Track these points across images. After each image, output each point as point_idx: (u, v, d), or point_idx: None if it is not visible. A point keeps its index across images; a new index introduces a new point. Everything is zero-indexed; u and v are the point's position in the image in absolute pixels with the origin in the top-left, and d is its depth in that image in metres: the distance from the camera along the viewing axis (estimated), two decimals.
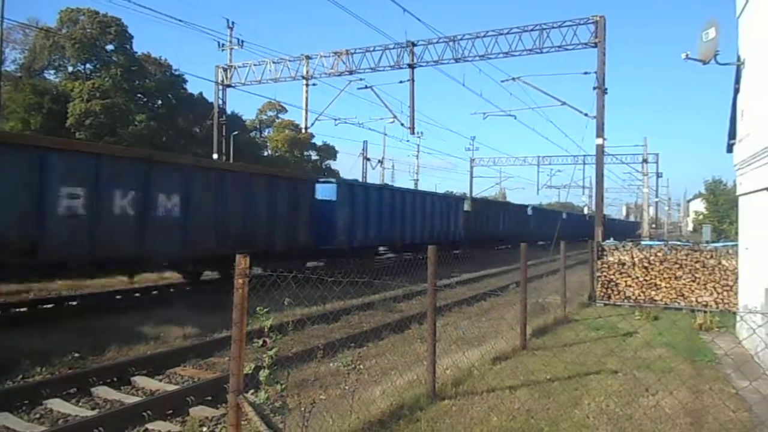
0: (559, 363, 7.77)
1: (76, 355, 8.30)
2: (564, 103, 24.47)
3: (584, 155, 48.16)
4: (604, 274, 13.98)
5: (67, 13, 45.04)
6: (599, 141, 19.78)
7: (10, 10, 37.49)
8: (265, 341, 4.00)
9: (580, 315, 12.25)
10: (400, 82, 24.95)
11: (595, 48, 20.26)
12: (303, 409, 4.23)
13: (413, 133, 26.53)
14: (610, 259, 14.01)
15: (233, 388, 3.76)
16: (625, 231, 63.41)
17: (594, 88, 19.88)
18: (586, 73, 20.75)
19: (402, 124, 26.55)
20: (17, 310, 11.94)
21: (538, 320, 10.58)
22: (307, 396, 6.31)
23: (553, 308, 12.02)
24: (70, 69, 47.50)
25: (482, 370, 7.34)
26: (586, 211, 66.32)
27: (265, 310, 3.99)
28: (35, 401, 6.47)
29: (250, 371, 3.89)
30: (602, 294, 13.94)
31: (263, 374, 3.87)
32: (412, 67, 23.96)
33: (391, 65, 24.25)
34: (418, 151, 53.57)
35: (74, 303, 13.06)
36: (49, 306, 12.44)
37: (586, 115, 21.47)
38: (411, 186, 48.81)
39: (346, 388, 6.95)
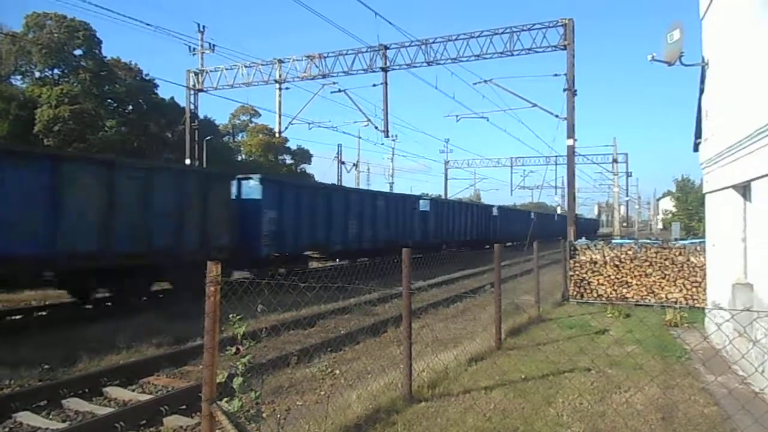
0: (533, 362, 7.87)
1: (47, 366, 8.12)
2: (535, 105, 24.82)
3: (556, 156, 48.90)
4: (577, 273, 14.18)
5: (33, 18, 44.11)
6: (570, 142, 20.09)
7: None
8: (238, 348, 3.97)
9: (554, 314, 12.40)
10: (374, 85, 25.08)
11: (565, 50, 20.58)
12: (278, 416, 4.20)
13: (387, 136, 26.61)
14: (583, 258, 14.22)
15: (206, 396, 3.73)
16: (586, 229, 64.04)
17: (564, 90, 20.21)
18: (556, 75, 21.10)
19: (376, 128, 26.69)
20: None
21: (512, 320, 10.67)
22: (283, 403, 6.29)
23: (527, 308, 12.14)
24: (38, 74, 46.51)
25: (458, 372, 7.39)
26: (559, 211, 67.16)
27: (238, 317, 3.96)
28: (4, 414, 6.31)
29: (224, 379, 3.86)
30: (575, 293, 14.13)
31: (237, 382, 3.85)
32: (385, 70, 24.05)
33: (364, 68, 24.35)
34: (392, 154, 53.85)
35: (44, 313, 12.79)
36: (18, 317, 12.16)
37: (556, 116, 21.81)
38: (386, 189, 48.89)
39: (323, 393, 6.93)
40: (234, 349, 3.95)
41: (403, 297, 6.37)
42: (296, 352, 8.36)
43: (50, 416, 6.50)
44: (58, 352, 8.78)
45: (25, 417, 6.33)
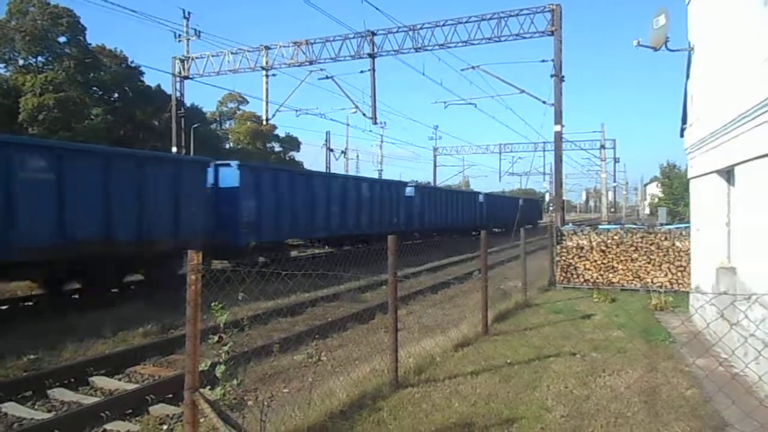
0: (518, 347, 7.93)
1: (32, 356, 8.08)
2: (523, 91, 24.79)
3: (544, 142, 49.00)
4: (564, 258, 14.26)
5: (15, 4, 43.34)
6: (557, 128, 20.12)
7: None
8: (221, 337, 3.96)
9: (541, 299, 12.48)
10: (361, 72, 24.90)
11: (552, 36, 20.54)
12: (262, 403, 4.21)
13: (375, 122, 26.48)
14: (569, 243, 14.29)
15: (189, 385, 3.72)
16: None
17: (551, 76, 20.19)
18: (543, 61, 21.02)
19: (364, 115, 26.54)
20: None
21: (499, 306, 10.73)
22: (268, 390, 6.30)
23: (514, 293, 12.21)
24: (21, 62, 45.80)
25: (444, 357, 7.43)
26: (547, 197, 67.43)
27: (220, 306, 3.95)
28: None
29: (206, 368, 3.85)
30: (562, 278, 14.22)
31: (219, 370, 3.84)
32: (372, 56, 23.91)
33: (352, 55, 24.18)
34: (381, 141, 53.63)
35: (30, 303, 12.69)
36: (4, 307, 12.06)
37: (544, 102, 21.79)
38: (375, 176, 48.79)
39: (309, 380, 6.95)
40: (216, 338, 3.94)
41: (389, 284, 6.39)
42: (281, 341, 8.35)
43: (36, 406, 6.48)
44: (45, 341, 8.73)
45: (11, 408, 6.30)
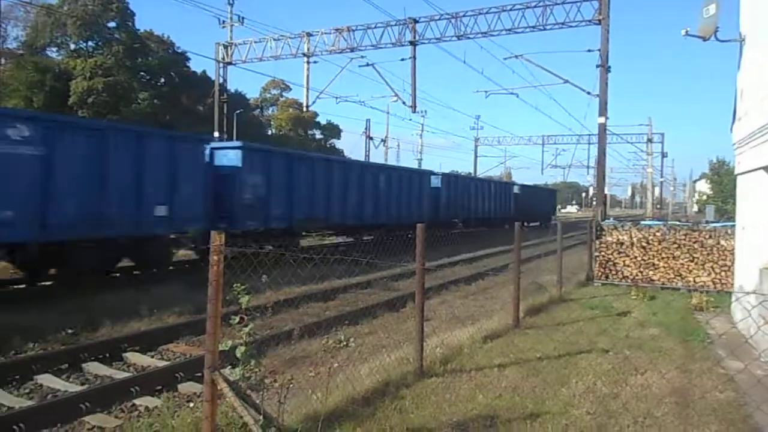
0: (550, 342, 7.78)
1: (70, 331, 8.36)
2: (567, 81, 24.23)
3: (588, 134, 47.86)
4: (603, 253, 13.93)
5: None
6: (601, 120, 19.60)
7: None
8: (242, 318, 3.99)
9: (577, 294, 12.23)
10: (402, 59, 24.75)
11: (599, 25, 19.97)
12: (279, 385, 4.23)
13: (415, 111, 26.31)
14: (609, 239, 13.94)
15: (208, 364, 3.77)
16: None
17: (597, 66, 19.64)
18: (589, 50, 20.46)
19: (404, 103, 26.40)
20: (16, 287, 11.99)
21: (533, 299, 10.56)
22: (295, 373, 6.35)
23: (549, 288, 11.99)
24: (72, 46, 47.23)
25: (472, 349, 7.34)
26: (591, 191, 65.95)
27: (242, 287, 3.98)
28: (26, 376, 6.52)
29: (227, 348, 3.89)
30: (600, 274, 13.90)
31: (240, 351, 3.88)
32: (413, 44, 23.72)
33: (393, 42, 24.05)
34: (422, 130, 53.37)
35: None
36: (48, 283, 12.48)
37: (588, 93, 21.26)
38: (415, 165, 48.64)
39: (335, 365, 6.98)
40: (237, 318, 3.98)
41: (417, 272, 6.34)
42: (311, 325, 8.41)
43: (70, 379, 6.69)
44: (83, 317, 9.00)
45: (47, 380, 6.53)
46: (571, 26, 21.05)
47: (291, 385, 4.32)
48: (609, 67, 19.63)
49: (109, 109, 42.51)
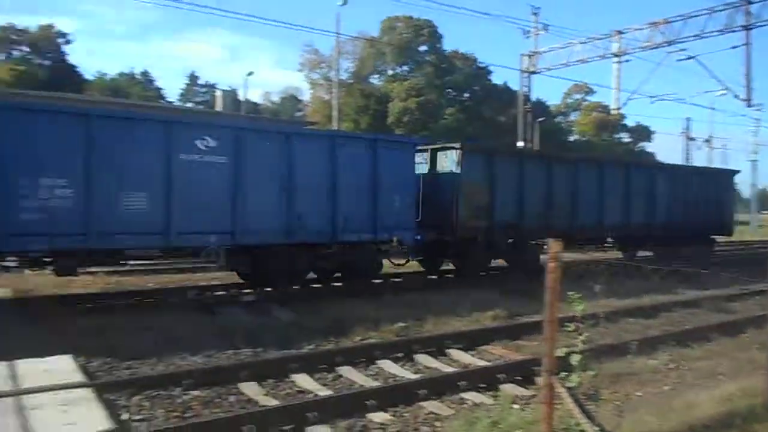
0: None
1: (402, 324, 9.36)
2: None
3: None
4: None
5: (387, 22, 50.70)
6: None
7: (347, 27, 43.84)
8: (577, 326, 3.98)
9: None
10: (733, 47, 21.69)
11: None
12: (617, 401, 4.08)
13: (750, 105, 22.84)
14: None
15: (546, 367, 3.83)
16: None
17: None
18: None
19: (736, 96, 23.10)
20: (336, 284, 13.29)
21: None
22: (620, 390, 6.04)
23: None
24: (390, 72, 53.36)
25: None
26: None
27: (578, 295, 3.96)
28: (370, 360, 7.53)
29: (563, 354, 3.91)
30: None
31: (575, 359, 3.86)
32: (747, 28, 20.63)
33: (720, 30, 21.28)
34: (757, 127, 45.94)
35: (398, 280, 14.57)
36: (398, 280, 14.13)
37: None
38: (747, 166, 42.01)
39: (665, 387, 6.44)
40: (573, 326, 3.97)
41: None
42: (636, 342, 7.88)
43: (405, 367, 7.49)
44: (410, 313, 10.01)
45: (386, 365, 7.44)
46: None
47: (627, 401, 4.11)
48: None
49: (420, 125, 46.76)
